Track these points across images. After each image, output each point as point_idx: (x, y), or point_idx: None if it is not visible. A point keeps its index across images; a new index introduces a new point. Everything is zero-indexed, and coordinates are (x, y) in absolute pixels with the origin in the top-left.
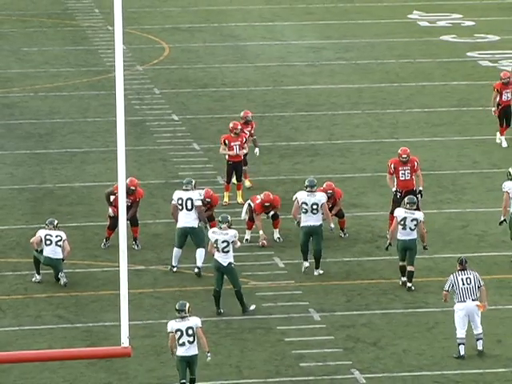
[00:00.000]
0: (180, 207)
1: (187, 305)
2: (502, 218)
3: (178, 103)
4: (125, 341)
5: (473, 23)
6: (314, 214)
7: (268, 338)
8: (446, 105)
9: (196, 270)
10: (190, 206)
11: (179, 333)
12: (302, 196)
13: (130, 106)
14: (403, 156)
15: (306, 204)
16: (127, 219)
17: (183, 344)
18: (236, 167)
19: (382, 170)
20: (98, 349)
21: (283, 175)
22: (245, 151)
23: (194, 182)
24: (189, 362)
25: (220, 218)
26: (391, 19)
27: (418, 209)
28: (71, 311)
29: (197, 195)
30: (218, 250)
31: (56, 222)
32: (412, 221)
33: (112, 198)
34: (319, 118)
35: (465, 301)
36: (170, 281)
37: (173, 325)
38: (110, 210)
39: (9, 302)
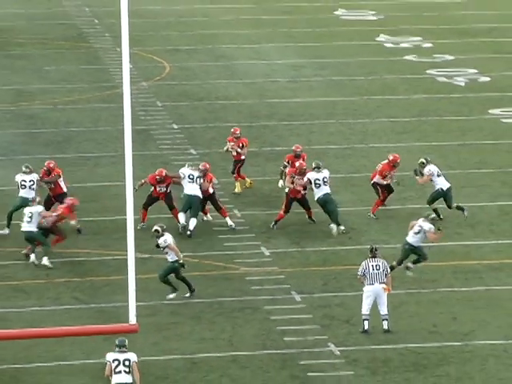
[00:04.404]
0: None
1: (126, 341)
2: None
3: (177, 114)
4: (132, 319)
5: (431, 45)
6: (326, 185)
7: (256, 316)
8: (408, 115)
9: (188, 232)
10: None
11: (117, 362)
12: (312, 175)
13: (136, 116)
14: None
15: (318, 179)
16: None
17: (119, 372)
18: (237, 163)
19: (353, 172)
20: (110, 326)
21: (268, 176)
22: (242, 153)
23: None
24: None
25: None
26: (361, 41)
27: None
28: (86, 294)
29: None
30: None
31: (30, 166)
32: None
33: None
34: (299, 127)
35: (373, 284)
36: None
37: (111, 355)
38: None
39: (32, 285)
